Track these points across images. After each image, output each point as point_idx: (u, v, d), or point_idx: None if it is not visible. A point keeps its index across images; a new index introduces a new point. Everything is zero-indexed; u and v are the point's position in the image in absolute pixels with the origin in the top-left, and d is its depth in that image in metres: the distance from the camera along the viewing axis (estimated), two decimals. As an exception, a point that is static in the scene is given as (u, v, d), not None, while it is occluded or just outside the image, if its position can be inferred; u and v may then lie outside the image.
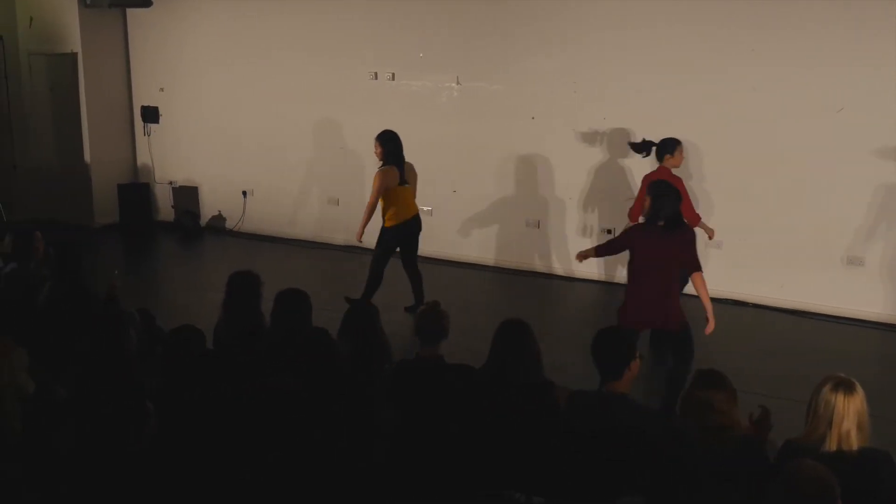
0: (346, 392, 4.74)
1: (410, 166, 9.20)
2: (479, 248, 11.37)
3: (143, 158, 13.74)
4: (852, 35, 8.96)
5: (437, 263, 11.37)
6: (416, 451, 4.45)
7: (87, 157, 13.25)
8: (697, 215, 8.36)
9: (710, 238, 8.81)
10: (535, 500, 4.24)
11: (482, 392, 4.91)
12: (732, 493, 4.07)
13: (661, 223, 6.35)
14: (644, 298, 6.41)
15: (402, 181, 8.95)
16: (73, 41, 12.99)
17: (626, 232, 6.87)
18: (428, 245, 11.58)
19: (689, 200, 8.12)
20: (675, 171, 8.22)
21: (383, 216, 9.04)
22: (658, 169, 8.28)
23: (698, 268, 6.45)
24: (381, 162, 8.92)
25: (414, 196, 9.25)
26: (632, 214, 8.33)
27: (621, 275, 10.42)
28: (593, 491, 4.15)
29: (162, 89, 13.37)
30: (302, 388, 4.64)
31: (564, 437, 4.55)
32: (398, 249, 9.22)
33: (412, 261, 9.30)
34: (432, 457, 4.34)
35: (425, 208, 11.58)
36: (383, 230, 9.10)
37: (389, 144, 8.90)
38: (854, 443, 4.12)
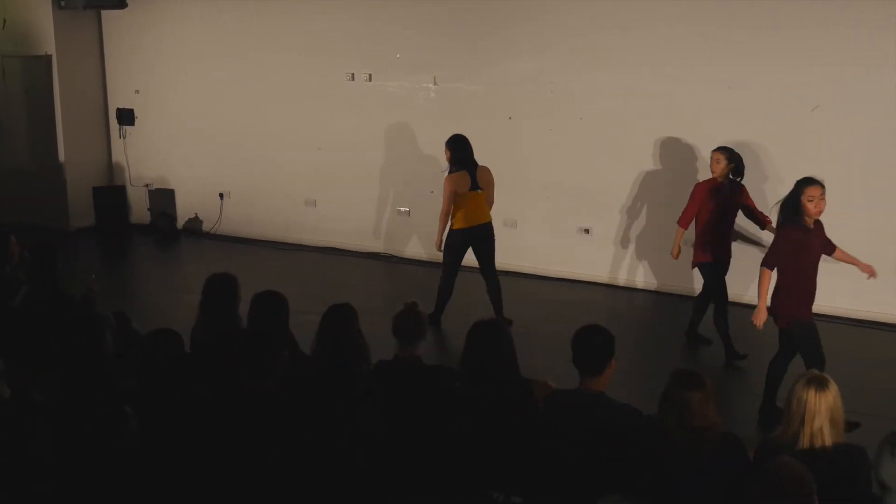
0: (325, 394, 4.74)
1: (486, 170, 8.95)
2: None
3: (118, 161, 13.67)
4: (826, 33, 9.04)
5: (414, 265, 11.39)
6: (395, 452, 4.46)
7: (62, 159, 13.16)
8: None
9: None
10: (513, 500, 4.25)
11: (459, 392, 4.91)
12: (712, 491, 4.09)
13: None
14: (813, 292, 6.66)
15: (475, 186, 8.80)
16: (48, 43, 12.90)
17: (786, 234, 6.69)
18: (405, 246, 11.63)
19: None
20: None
21: (452, 220, 8.88)
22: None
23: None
24: (450, 167, 8.82)
25: (490, 202, 9.01)
26: (683, 221, 8.32)
27: (591, 274, 10.49)
28: (573, 490, 4.16)
29: (137, 91, 13.29)
30: (279, 390, 4.64)
31: (543, 436, 4.56)
32: (475, 256, 9.01)
33: (487, 269, 9.06)
34: (412, 458, 4.34)
35: (402, 209, 11.61)
36: (450, 232, 8.93)
37: (457, 149, 8.79)
38: (827, 439, 4.14)
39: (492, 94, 10.84)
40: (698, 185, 8.36)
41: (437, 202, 11.26)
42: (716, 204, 8.04)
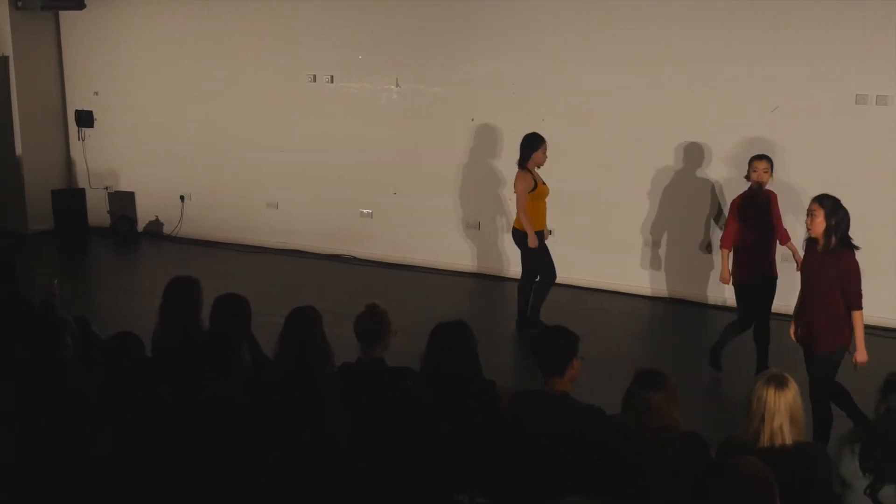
0: (289, 398, 4.72)
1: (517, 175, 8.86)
2: (419, 250, 11.37)
3: (77, 163, 13.53)
4: (789, 33, 9.14)
5: (377, 266, 11.38)
6: (359, 455, 4.44)
7: (20, 161, 13.00)
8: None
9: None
10: (478, 501, 4.25)
11: (422, 394, 4.91)
12: (675, 490, 4.11)
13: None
14: None
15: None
16: (5, 44, 12.74)
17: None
18: (367, 248, 11.61)
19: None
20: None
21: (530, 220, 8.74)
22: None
23: None
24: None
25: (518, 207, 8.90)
26: (725, 241, 7.82)
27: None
28: (537, 491, 4.17)
29: (96, 93, 13.17)
30: (241, 393, 4.61)
31: (508, 437, 4.56)
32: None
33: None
34: (375, 460, 4.33)
35: (365, 211, 11.59)
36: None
37: (523, 146, 8.79)
38: (787, 437, 4.17)
39: (454, 96, 10.85)
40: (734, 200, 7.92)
41: (399, 203, 11.34)
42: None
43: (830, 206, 5.98)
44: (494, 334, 8.33)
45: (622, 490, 4.04)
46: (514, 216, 10.64)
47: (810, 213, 6.06)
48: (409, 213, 11.37)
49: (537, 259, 8.82)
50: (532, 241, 8.68)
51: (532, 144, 8.71)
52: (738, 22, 9.30)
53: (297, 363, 5.08)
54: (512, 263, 10.73)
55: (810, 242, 6.19)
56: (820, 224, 5.99)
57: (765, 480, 3.58)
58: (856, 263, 6.06)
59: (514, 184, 8.76)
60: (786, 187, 9.25)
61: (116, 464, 4.21)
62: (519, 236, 8.88)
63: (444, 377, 4.88)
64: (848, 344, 6.13)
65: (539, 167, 8.80)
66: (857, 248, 6.07)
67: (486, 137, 10.73)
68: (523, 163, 8.74)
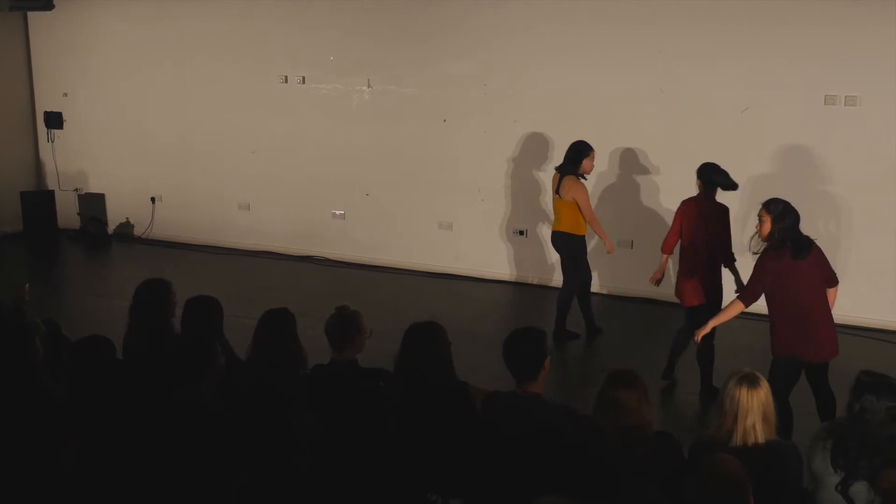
0: (261, 401, 4.69)
1: (566, 179, 8.65)
2: (392, 251, 11.36)
3: (46, 164, 13.43)
4: (762, 32, 9.20)
5: (350, 267, 11.36)
6: (332, 457, 4.43)
7: (-11, 163, 12.91)
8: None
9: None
10: (451, 502, 4.24)
11: (395, 395, 4.90)
12: (648, 489, 4.12)
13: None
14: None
15: (556, 191, 8.67)
16: (-28, 45, 12.66)
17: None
18: (341, 249, 11.59)
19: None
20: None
21: (565, 224, 8.60)
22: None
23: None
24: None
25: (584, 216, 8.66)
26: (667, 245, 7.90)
27: (525, 276, 10.57)
28: (510, 491, 4.17)
29: (66, 94, 13.08)
30: (214, 397, 4.58)
31: (481, 438, 4.56)
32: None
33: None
34: (349, 462, 4.32)
35: (337, 212, 11.57)
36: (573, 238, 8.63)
37: (573, 154, 8.60)
38: (760, 436, 4.21)
39: (426, 97, 10.85)
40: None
41: (372, 204, 11.32)
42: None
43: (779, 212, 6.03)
44: (468, 335, 8.32)
45: (596, 490, 4.05)
46: (485, 217, 10.68)
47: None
48: (381, 214, 11.36)
49: (581, 264, 8.76)
50: (610, 247, 8.73)
51: (583, 152, 8.54)
52: (709, 23, 9.36)
53: (270, 366, 5.06)
54: (488, 263, 10.76)
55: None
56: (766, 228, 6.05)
57: (739, 477, 3.60)
58: (760, 262, 6.12)
59: (569, 192, 8.43)
60: (756, 187, 9.33)
61: (84, 468, 4.18)
62: (563, 240, 8.70)
63: (417, 378, 4.87)
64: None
65: (587, 175, 8.67)
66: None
67: (458, 138, 10.73)
68: (574, 170, 8.53)
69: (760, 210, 6.15)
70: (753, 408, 4.21)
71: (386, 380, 5.15)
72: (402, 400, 4.79)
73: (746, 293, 6.28)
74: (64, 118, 13.13)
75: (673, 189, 9.71)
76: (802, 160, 9.17)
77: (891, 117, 8.85)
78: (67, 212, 13.13)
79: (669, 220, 9.70)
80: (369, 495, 4.14)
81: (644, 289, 9.82)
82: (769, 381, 5.34)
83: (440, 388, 4.85)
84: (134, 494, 4.14)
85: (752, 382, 4.25)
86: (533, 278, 10.57)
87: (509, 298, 10.25)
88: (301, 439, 4.14)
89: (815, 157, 9.13)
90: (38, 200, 12.93)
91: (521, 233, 10.61)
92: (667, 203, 9.76)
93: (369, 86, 11.18)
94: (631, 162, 9.84)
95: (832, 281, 6.23)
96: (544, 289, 10.34)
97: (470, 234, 10.90)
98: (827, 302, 6.20)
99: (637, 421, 4.26)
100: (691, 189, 9.25)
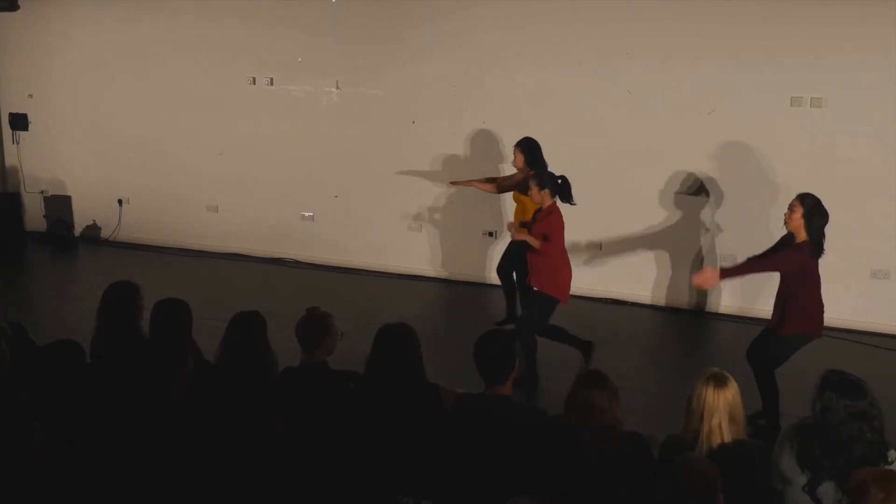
0: (231, 404, 4.67)
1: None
2: (361, 252, 11.34)
3: (12, 166, 13.27)
4: (722, 31, 9.27)
5: (319, 269, 11.33)
6: (302, 460, 4.42)
7: (-47, 166, 12.77)
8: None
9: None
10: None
11: (367, 397, 4.89)
12: (620, 489, 4.14)
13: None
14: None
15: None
16: (-65, 46, 12.51)
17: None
18: (309, 251, 11.56)
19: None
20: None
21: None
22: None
23: None
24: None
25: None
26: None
27: (496, 277, 10.58)
28: (481, 492, 4.18)
29: (31, 95, 12.94)
30: (183, 400, 4.56)
31: (452, 439, 4.56)
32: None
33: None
34: (319, 464, 4.31)
35: (306, 214, 11.54)
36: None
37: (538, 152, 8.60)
38: (726, 436, 4.23)
39: (395, 98, 10.85)
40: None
41: (341, 206, 11.30)
42: None
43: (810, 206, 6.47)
44: (438, 336, 8.33)
45: (566, 490, 4.06)
46: (454, 218, 10.68)
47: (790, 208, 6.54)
48: (350, 216, 11.35)
49: None
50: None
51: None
52: (676, 24, 9.42)
53: (239, 369, 5.05)
54: (458, 265, 10.76)
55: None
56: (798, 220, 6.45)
57: (708, 476, 3.63)
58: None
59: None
60: (724, 188, 9.42)
61: (53, 473, 4.14)
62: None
63: (388, 380, 4.87)
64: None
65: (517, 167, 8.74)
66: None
67: (426, 139, 10.73)
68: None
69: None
70: (720, 407, 4.24)
71: (356, 381, 5.15)
72: (373, 402, 4.79)
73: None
74: (29, 120, 13.00)
75: (639, 190, 9.78)
76: (768, 161, 9.24)
77: (856, 119, 8.94)
78: (34, 214, 13.00)
79: (636, 221, 9.83)
80: (341, 498, 4.13)
81: (611, 290, 9.91)
82: (783, 357, 6.06)
83: (411, 390, 4.86)
84: (103, 499, 4.11)
85: (719, 382, 4.28)
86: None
87: (479, 300, 10.25)
88: (273, 443, 4.12)
89: (781, 158, 9.20)
90: (4, 203, 12.78)
91: (491, 234, 10.63)
92: (632, 204, 9.82)
93: (338, 87, 11.16)
94: (597, 162, 9.87)
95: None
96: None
97: (439, 236, 10.90)
98: None
99: (608, 420, 4.29)
100: (657, 190, 9.35)
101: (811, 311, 6.55)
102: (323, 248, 11.49)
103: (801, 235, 6.43)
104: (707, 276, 6.70)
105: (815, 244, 6.40)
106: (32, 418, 4.32)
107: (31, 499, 4.01)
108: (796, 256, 6.42)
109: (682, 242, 9.72)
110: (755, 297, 9.31)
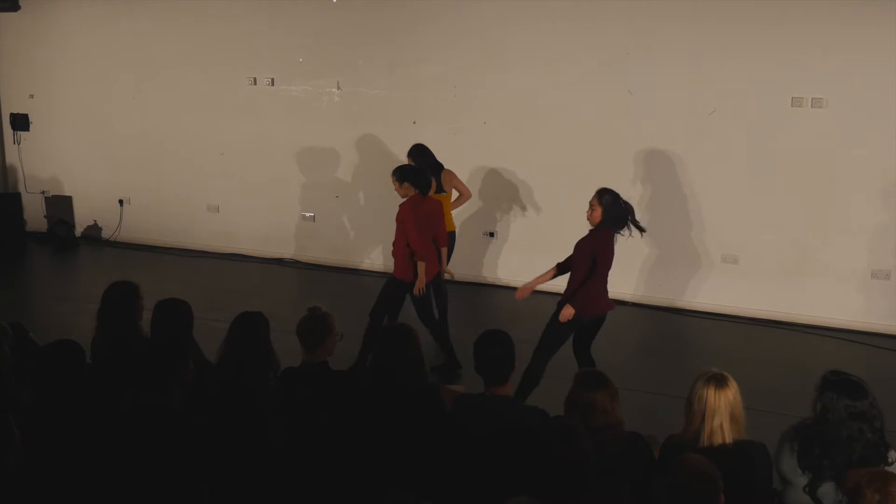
0: (232, 405, 4.67)
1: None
2: (362, 253, 11.35)
3: (13, 167, 13.30)
4: (718, 30, 9.27)
5: (319, 269, 11.33)
6: (302, 459, 4.42)
7: (-46, 166, 12.78)
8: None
9: None
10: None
11: (367, 397, 4.90)
12: (620, 489, 4.14)
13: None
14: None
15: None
16: (-63, 46, 12.52)
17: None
18: (310, 251, 11.56)
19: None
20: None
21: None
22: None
23: None
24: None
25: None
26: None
27: (496, 278, 10.58)
28: (482, 493, 4.18)
29: (32, 96, 12.96)
30: (184, 402, 4.56)
31: (452, 439, 4.56)
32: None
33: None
34: (319, 464, 4.31)
35: (306, 214, 11.54)
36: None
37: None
38: (727, 436, 4.23)
39: (395, 98, 10.85)
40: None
41: (342, 206, 11.30)
42: None
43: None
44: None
45: (566, 490, 4.06)
46: (455, 219, 10.68)
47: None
48: (351, 216, 11.35)
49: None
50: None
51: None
52: (677, 24, 9.41)
53: (241, 370, 5.05)
54: (458, 265, 10.73)
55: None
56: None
57: (709, 477, 3.62)
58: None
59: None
60: (725, 188, 9.41)
61: (52, 474, 4.15)
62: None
63: (388, 380, 4.87)
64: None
65: None
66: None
67: (427, 140, 10.70)
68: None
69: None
70: (721, 408, 4.24)
71: (356, 381, 5.15)
72: (373, 401, 4.79)
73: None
74: (30, 120, 13.02)
75: (640, 189, 9.77)
76: (769, 162, 9.24)
77: (857, 119, 8.94)
78: (35, 215, 13.02)
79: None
80: (340, 497, 4.13)
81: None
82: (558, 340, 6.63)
83: (411, 390, 4.86)
84: (103, 499, 4.11)
85: (719, 383, 4.28)
86: (506, 280, 10.58)
87: (479, 300, 10.25)
88: (273, 444, 4.13)
89: (782, 158, 9.20)
90: (5, 203, 12.80)
91: (492, 234, 10.63)
92: (633, 203, 9.79)
93: (339, 87, 11.16)
94: (598, 162, 9.87)
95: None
96: (514, 291, 10.35)
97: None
98: None
99: (609, 421, 4.29)
100: (657, 188, 9.35)
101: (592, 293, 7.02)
102: (323, 248, 11.49)
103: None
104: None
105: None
106: (28, 418, 4.32)
107: (31, 499, 4.01)
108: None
109: (683, 242, 9.71)
110: (755, 297, 9.31)
